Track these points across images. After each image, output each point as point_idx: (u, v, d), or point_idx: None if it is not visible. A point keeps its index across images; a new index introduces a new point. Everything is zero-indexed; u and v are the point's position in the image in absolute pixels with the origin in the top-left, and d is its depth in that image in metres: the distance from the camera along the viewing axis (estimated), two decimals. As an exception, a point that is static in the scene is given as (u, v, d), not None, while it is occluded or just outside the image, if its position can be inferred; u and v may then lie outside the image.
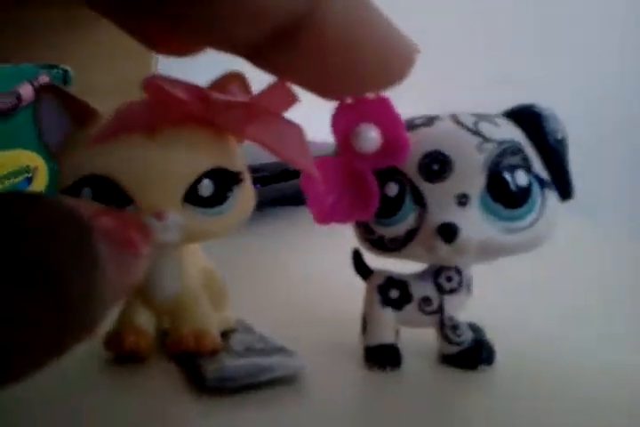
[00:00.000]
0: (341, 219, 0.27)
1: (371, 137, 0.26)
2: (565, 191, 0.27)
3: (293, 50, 0.14)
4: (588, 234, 0.56)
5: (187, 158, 0.25)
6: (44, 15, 0.70)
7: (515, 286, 0.40)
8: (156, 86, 0.24)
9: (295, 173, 0.55)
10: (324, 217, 0.27)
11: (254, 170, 0.57)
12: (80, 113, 0.26)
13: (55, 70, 0.51)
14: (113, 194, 0.25)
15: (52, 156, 0.27)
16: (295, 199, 0.66)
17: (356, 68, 0.15)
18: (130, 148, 0.24)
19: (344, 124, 0.26)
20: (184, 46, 0.19)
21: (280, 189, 0.62)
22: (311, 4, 0.13)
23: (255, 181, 0.59)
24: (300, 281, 0.42)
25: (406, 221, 0.27)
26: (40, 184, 0.51)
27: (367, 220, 0.28)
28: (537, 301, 0.38)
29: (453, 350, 0.29)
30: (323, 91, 0.16)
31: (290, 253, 0.50)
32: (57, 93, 0.26)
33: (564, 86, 0.98)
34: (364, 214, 0.27)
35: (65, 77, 0.52)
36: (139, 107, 0.25)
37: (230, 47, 0.14)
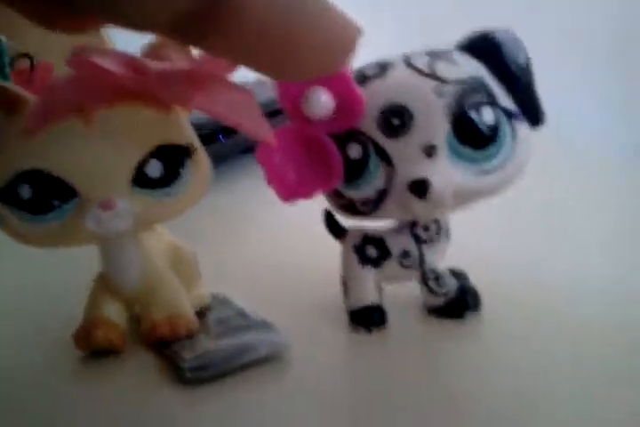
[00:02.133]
0: (307, 194, 0.26)
1: (322, 101, 0.24)
2: (535, 118, 0.25)
3: (216, 32, 0.12)
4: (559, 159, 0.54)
5: (127, 140, 0.23)
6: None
7: (492, 225, 0.39)
8: (83, 60, 0.22)
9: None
10: (289, 194, 0.25)
11: (214, 121, 0.55)
12: (7, 102, 0.24)
13: (-14, 41, 0.48)
14: (54, 188, 0.23)
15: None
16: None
17: (290, 53, 0.13)
18: (64, 136, 0.22)
19: (292, 90, 0.24)
20: (82, 23, 0.17)
21: (244, 139, 0.60)
22: None
23: (217, 133, 0.58)
24: (272, 240, 0.41)
25: (374, 181, 0.25)
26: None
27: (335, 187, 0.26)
28: (517, 238, 0.37)
29: (439, 301, 0.28)
30: (261, 73, 0.14)
31: (259, 210, 0.49)
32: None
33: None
34: (330, 183, 0.25)
35: (-2, 48, 0.49)
36: (65, 86, 0.23)
37: (142, 29, 0.13)
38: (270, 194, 0.49)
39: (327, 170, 0.25)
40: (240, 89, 0.23)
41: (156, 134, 0.24)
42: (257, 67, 0.13)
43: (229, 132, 0.58)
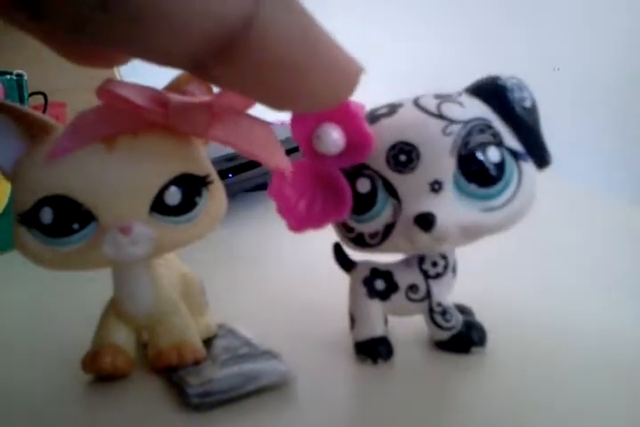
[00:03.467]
0: (316, 224, 0.26)
1: (333, 138, 0.25)
2: (542, 159, 0.26)
3: (233, 66, 0.13)
4: (567, 200, 0.55)
5: (148, 168, 0.24)
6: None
7: (498, 262, 0.39)
8: (111, 93, 0.23)
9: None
10: (298, 224, 0.26)
11: (224, 160, 0.57)
12: (34, 128, 0.25)
13: (9, 77, 0.49)
14: (75, 212, 0.23)
15: (7, 178, 0.25)
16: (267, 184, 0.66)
17: (299, 86, 0.14)
18: (86, 162, 0.23)
19: (304, 127, 0.25)
20: (108, 59, 0.18)
21: (252, 176, 0.61)
22: (245, 20, 0.12)
23: (227, 172, 0.59)
24: (279, 273, 0.42)
25: (383, 215, 0.26)
26: (2, 198, 0.50)
27: (343, 220, 0.27)
28: (522, 275, 0.38)
29: (445, 335, 0.28)
30: (269, 106, 0.15)
31: (267, 243, 0.49)
32: (6, 110, 0.25)
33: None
34: (338, 216, 0.26)
35: (20, 83, 0.50)
36: (93, 117, 0.24)
37: (164, 63, 0.14)
38: (276, 228, 0.50)
39: (337, 203, 0.26)
40: (257, 121, 0.24)
41: (176, 163, 0.24)
42: (264, 99, 0.14)
43: (238, 171, 0.60)
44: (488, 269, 0.37)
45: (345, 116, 0.25)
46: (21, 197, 0.24)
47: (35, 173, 0.24)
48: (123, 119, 0.24)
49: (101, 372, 0.27)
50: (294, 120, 0.26)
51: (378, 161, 0.25)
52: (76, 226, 0.24)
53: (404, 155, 0.25)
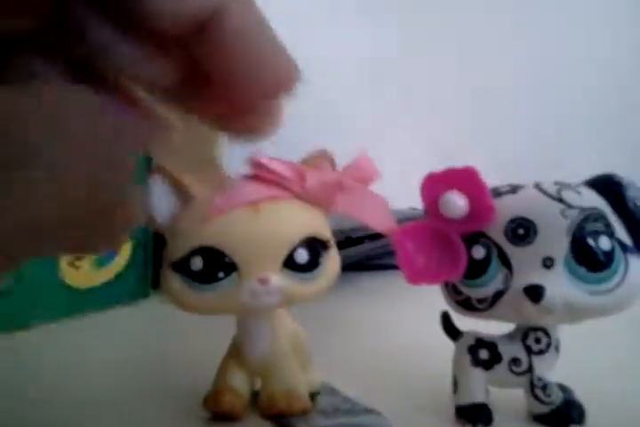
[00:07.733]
0: (431, 279, 0.29)
1: (458, 204, 0.28)
2: None
3: (207, 43, 0.15)
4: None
5: (286, 229, 0.28)
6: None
7: (601, 346, 0.39)
8: (260, 164, 0.28)
9: (358, 240, 0.58)
10: (416, 277, 0.29)
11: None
12: (183, 194, 0.29)
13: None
14: (220, 262, 0.27)
15: (160, 231, 0.29)
16: (362, 265, 0.67)
17: (254, 66, 0.15)
18: (236, 221, 0.27)
19: (432, 192, 0.29)
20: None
21: (345, 256, 0.63)
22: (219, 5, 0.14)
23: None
24: (383, 342, 0.43)
25: (493, 282, 0.28)
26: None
27: (455, 280, 0.29)
28: (625, 361, 0.38)
29: (544, 409, 0.29)
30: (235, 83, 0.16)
31: (372, 312, 0.51)
32: (163, 174, 0.29)
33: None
34: (452, 275, 0.29)
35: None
36: (242, 184, 0.28)
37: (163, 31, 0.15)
38: (379, 293, 0.51)
39: (453, 263, 0.28)
40: (375, 195, 0.29)
41: (306, 227, 0.28)
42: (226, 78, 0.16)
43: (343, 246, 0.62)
44: (594, 352, 0.38)
45: (471, 185, 0.28)
46: (177, 246, 0.28)
47: (187, 229, 0.28)
48: (269, 188, 0.28)
49: (220, 409, 0.30)
50: (425, 185, 0.29)
51: (497, 231, 0.28)
52: (221, 274, 0.27)
53: (523, 229, 0.27)
